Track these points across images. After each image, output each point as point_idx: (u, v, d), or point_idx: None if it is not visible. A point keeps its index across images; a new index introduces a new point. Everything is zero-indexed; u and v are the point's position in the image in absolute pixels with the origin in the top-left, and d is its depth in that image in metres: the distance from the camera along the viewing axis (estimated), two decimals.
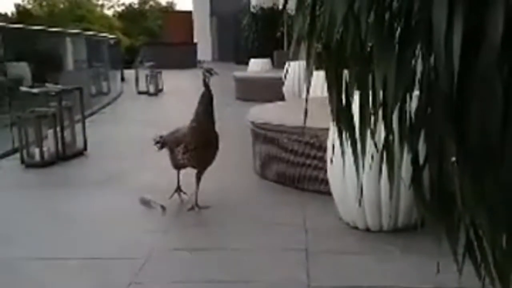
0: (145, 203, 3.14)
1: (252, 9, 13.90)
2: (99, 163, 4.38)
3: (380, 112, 1.13)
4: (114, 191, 3.51)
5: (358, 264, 2.27)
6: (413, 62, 1.09)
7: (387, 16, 1.02)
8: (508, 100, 0.94)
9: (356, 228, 2.62)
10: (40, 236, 2.74)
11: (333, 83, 1.18)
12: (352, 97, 1.16)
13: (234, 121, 5.29)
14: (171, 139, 3.10)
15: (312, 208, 2.99)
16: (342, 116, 1.18)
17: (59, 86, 4.73)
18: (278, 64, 10.11)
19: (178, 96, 9.66)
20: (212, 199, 3.14)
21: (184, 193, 3.20)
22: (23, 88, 4.72)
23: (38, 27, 9.28)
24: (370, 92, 1.13)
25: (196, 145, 2.91)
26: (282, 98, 6.88)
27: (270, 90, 7.36)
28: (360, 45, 1.10)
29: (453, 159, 0.97)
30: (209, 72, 2.99)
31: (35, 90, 4.46)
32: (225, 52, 19.70)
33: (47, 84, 4.80)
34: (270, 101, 4.87)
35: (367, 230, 2.59)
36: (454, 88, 0.92)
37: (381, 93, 1.05)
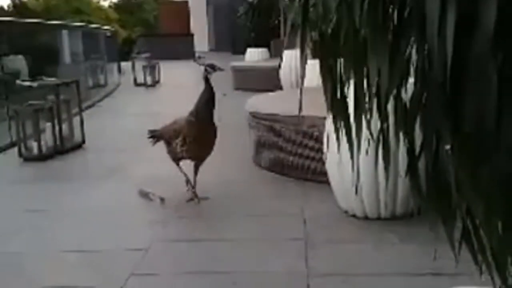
0: (144, 195, 3.14)
1: None
2: (98, 156, 4.38)
3: (375, 101, 1.13)
4: (113, 183, 3.52)
5: (357, 253, 2.28)
6: (408, 49, 1.08)
7: (380, 5, 1.01)
8: (503, 88, 0.94)
9: (354, 216, 2.63)
10: (38, 229, 2.74)
11: (327, 73, 1.18)
12: (346, 86, 1.15)
13: (231, 111, 5.27)
14: (168, 131, 3.08)
15: (310, 197, 3.00)
16: (336, 106, 1.18)
17: (56, 79, 4.71)
18: (276, 54, 10.06)
19: (175, 88, 9.64)
20: (209, 189, 3.15)
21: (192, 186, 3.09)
22: (20, 82, 4.70)
23: (34, 20, 9.25)
24: (365, 82, 1.13)
25: (195, 138, 2.91)
26: (280, 87, 6.87)
27: (268, 80, 7.34)
28: (354, 35, 1.09)
29: (447, 147, 0.97)
30: (212, 67, 2.94)
31: (31, 84, 4.44)
32: (222, 42, 19.60)
33: (44, 78, 4.78)
34: (268, 90, 4.86)
35: (366, 218, 2.60)
36: (448, 77, 0.91)
37: (375, 83, 1.05)
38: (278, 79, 7.09)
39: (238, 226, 2.66)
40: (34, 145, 4.24)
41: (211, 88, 2.91)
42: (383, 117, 1.08)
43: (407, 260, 2.16)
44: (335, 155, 2.48)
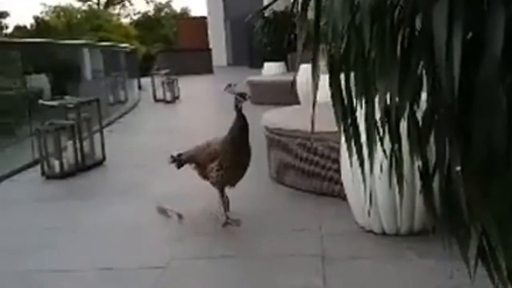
0: (162, 211, 3.17)
1: (264, 13, 13.93)
2: (118, 173, 4.44)
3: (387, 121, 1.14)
4: (132, 200, 3.56)
5: (375, 269, 2.27)
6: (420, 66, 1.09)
7: (389, 28, 1.03)
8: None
9: (371, 232, 2.62)
10: (58, 248, 2.79)
11: (337, 93, 1.20)
12: (356, 106, 1.17)
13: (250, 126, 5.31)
14: (202, 154, 3.01)
15: (327, 213, 2.99)
16: (346, 126, 1.19)
17: (77, 99, 4.82)
18: (293, 68, 10.10)
19: (194, 103, 9.74)
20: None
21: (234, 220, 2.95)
22: (42, 102, 4.82)
23: (56, 40, 9.46)
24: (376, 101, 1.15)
25: (231, 163, 2.88)
26: (298, 101, 6.87)
27: (285, 94, 7.34)
28: (362, 56, 1.11)
29: (458, 168, 0.98)
30: (242, 96, 2.90)
31: (54, 103, 4.55)
32: (240, 56, 19.75)
33: (65, 97, 4.89)
34: (286, 104, 4.87)
35: (383, 234, 2.58)
36: (456, 99, 0.92)
37: (384, 104, 1.06)
38: (296, 93, 7.10)
39: (256, 243, 2.67)
40: (56, 163, 4.33)
41: (244, 117, 2.88)
42: (394, 138, 1.09)
43: (425, 276, 2.14)
44: (350, 171, 2.48)
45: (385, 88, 1.03)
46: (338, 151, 2.95)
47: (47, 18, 30.72)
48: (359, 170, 2.03)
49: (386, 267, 2.27)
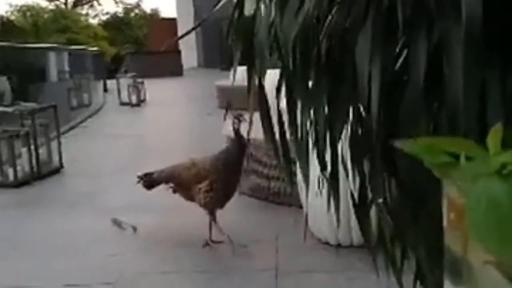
0: (117, 223, 3.09)
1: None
2: (75, 182, 4.32)
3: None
4: (86, 211, 3.46)
5: (327, 283, 2.25)
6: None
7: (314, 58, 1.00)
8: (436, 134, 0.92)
9: (327, 243, 2.60)
10: (5, 262, 2.68)
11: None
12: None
13: (212, 132, 5.26)
14: (186, 175, 2.78)
15: (285, 223, 2.96)
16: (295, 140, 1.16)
17: (33, 104, 4.67)
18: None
19: (161, 107, 9.61)
20: (186, 216, 3.10)
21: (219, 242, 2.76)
22: None
23: (20, 44, 9.21)
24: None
25: (223, 184, 2.69)
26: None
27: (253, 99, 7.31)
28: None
29: (380, 200, 0.95)
30: (238, 118, 2.70)
31: (6, 109, 4.40)
32: (211, 58, 19.69)
33: (21, 103, 4.74)
34: (256, 110, 4.83)
35: (339, 245, 2.57)
36: (378, 127, 0.90)
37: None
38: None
39: (210, 257, 2.62)
40: (10, 171, 4.18)
41: (242, 139, 2.68)
42: (321, 163, 1.07)
43: None
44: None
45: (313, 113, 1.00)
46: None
47: (12, 17, 29.96)
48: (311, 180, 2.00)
49: (339, 280, 2.26)
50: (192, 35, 21.98)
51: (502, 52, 0.78)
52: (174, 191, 2.85)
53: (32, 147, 4.34)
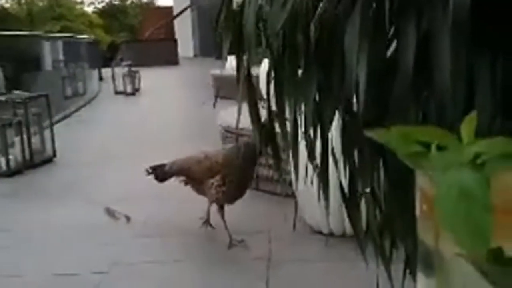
0: (110, 213, 3.08)
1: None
2: (67, 172, 4.30)
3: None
4: (80, 201, 3.44)
5: (319, 272, 2.25)
6: None
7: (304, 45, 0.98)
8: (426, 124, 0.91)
9: (320, 232, 2.60)
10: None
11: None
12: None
13: (207, 121, 5.24)
14: (198, 168, 2.67)
15: (278, 213, 2.95)
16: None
17: (26, 94, 4.63)
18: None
19: (156, 96, 9.57)
20: (178, 207, 3.10)
21: (213, 227, 2.79)
22: None
23: (13, 32, 9.11)
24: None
25: (237, 178, 2.58)
26: (261, 97, 6.82)
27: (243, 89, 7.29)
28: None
29: (367, 190, 0.95)
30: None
31: (0, 98, 4.37)
32: (208, 47, 19.56)
33: (14, 91, 4.70)
34: None
35: (331, 234, 2.57)
36: (370, 115, 0.89)
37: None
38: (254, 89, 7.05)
39: (203, 247, 2.62)
40: (2, 160, 4.16)
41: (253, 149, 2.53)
42: (311, 156, 1.06)
43: (370, 279, 2.13)
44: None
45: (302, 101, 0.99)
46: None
47: (7, 5, 29.67)
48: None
49: (331, 269, 2.26)
50: (189, 24, 21.85)
51: (491, 41, 0.77)
52: (186, 183, 2.77)
53: (25, 136, 4.31)
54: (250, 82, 1.13)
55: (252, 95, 1.12)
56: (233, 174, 2.56)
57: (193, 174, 2.70)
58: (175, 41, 19.87)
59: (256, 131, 1.11)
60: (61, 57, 10.04)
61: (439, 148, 0.36)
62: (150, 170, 2.81)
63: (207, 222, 2.78)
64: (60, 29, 22.53)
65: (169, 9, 23.07)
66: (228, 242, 2.56)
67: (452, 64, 0.68)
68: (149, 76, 10.97)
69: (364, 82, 0.81)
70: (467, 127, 0.37)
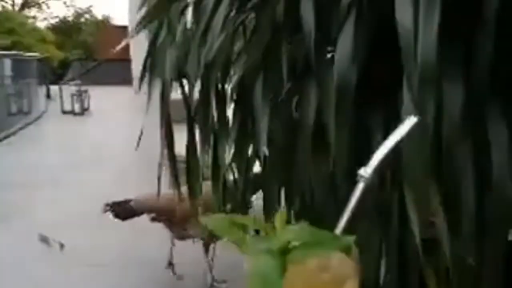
0: (44, 240, 3.01)
1: None
2: (5, 195, 4.15)
3: None
4: (14, 227, 3.33)
5: None
6: None
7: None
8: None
9: None
10: None
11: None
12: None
13: (155, 144, 5.22)
14: (179, 208, 2.17)
15: None
16: None
17: None
18: None
19: (104, 116, 9.42)
20: (120, 236, 3.06)
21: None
22: None
23: None
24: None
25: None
26: None
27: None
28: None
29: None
30: None
31: None
32: None
33: None
34: None
35: None
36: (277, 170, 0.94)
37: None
38: None
39: (147, 276, 2.60)
40: None
41: None
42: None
43: None
44: None
45: None
46: None
47: None
48: None
49: None
50: (144, 43, 21.67)
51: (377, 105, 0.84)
52: (154, 220, 2.47)
53: None
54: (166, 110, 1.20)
55: (167, 121, 1.20)
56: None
57: (171, 215, 2.36)
58: (129, 61, 19.70)
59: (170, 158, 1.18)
60: (7, 73, 9.75)
61: (257, 233, 0.42)
62: (108, 207, 2.43)
63: (172, 265, 2.56)
64: (10, 44, 21.88)
65: (124, 28, 22.91)
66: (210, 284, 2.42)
67: (336, 128, 0.74)
68: (100, 96, 10.81)
69: (264, 138, 0.87)
70: (279, 219, 0.42)
